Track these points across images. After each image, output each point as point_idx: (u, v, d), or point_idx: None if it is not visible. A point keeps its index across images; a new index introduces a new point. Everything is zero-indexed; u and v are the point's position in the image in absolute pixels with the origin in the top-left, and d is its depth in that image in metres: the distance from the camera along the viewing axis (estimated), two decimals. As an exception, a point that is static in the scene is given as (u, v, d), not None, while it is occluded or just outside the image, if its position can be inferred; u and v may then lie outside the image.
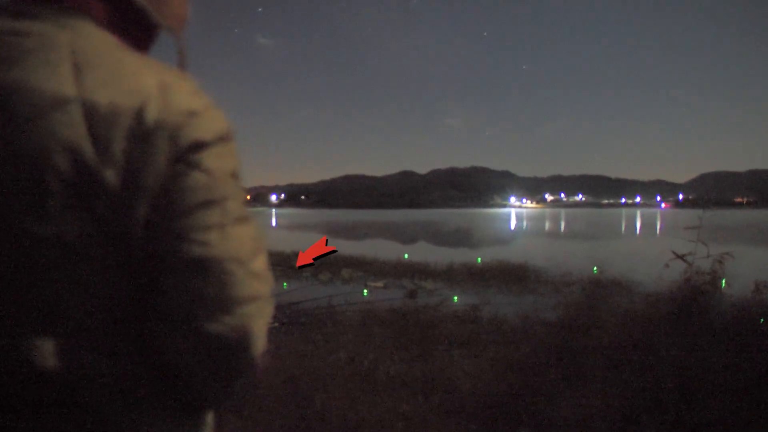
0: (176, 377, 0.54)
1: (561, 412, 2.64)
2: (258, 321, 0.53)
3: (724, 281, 3.58)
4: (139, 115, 0.48)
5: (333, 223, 46.00)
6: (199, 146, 0.50)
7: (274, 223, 50.45)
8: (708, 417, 2.44)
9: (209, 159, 0.51)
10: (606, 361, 3.23)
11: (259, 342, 0.54)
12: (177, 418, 0.56)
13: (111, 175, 0.47)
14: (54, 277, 0.48)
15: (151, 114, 0.48)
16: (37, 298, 0.48)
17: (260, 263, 0.54)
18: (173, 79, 0.52)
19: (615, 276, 6.99)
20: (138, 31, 0.58)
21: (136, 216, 0.48)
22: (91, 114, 0.46)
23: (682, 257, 3.75)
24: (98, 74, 0.48)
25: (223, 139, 0.53)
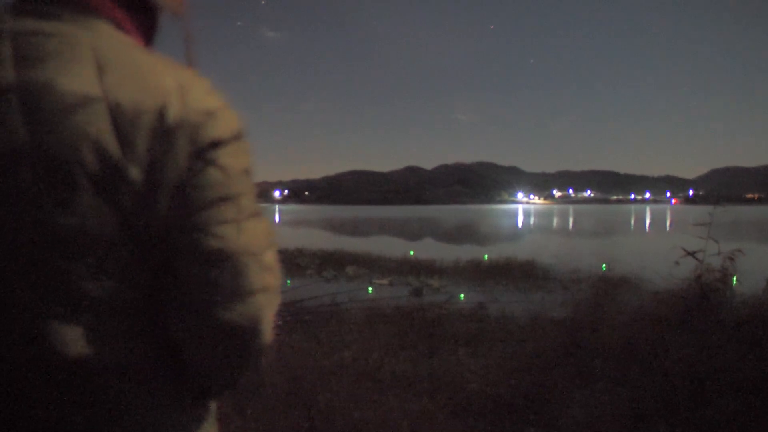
0: (189, 364, 0.57)
1: (570, 412, 2.61)
2: (268, 311, 0.56)
3: (735, 278, 3.53)
4: (160, 114, 0.50)
5: (336, 220, 46.08)
6: (216, 144, 0.53)
7: (277, 219, 50.65)
8: (719, 416, 2.40)
9: (225, 157, 0.53)
10: (615, 359, 3.19)
11: (268, 331, 0.57)
12: (185, 404, 0.59)
13: (135, 171, 0.50)
14: (79, 267, 0.50)
15: (172, 113, 0.51)
16: (62, 287, 0.51)
17: (271, 257, 0.57)
18: (190, 80, 0.55)
19: (624, 273, 6.90)
20: (142, 18, 0.61)
21: (157, 209, 0.51)
22: (116, 113, 0.49)
23: (692, 254, 3.69)
24: (120, 74, 0.51)
25: (237, 137, 0.56)
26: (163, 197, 0.51)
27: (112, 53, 0.52)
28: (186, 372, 0.58)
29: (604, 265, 8.20)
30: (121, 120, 0.49)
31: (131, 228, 0.51)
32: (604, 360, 3.21)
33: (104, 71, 0.50)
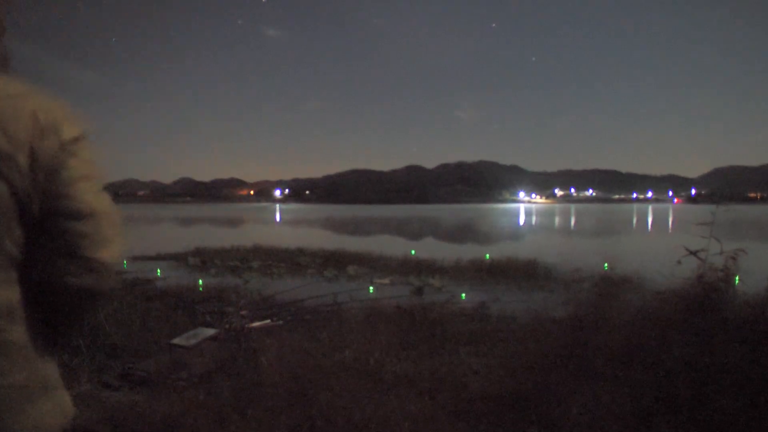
0: (60, 299, 0.79)
1: (571, 412, 2.59)
2: (119, 252, 0.83)
3: (737, 278, 3.50)
4: (35, 119, 0.75)
5: (337, 219, 46.03)
6: (73, 140, 0.79)
7: (277, 218, 50.65)
8: (722, 416, 2.39)
9: (80, 149, 0.79)
10: (617, 359, 3.17)
11: (118, 267, 0.88)
12: (50, 338, 0.80)
13: (22, 158, 0.73)
14: None
15: (42, 119, 0.75)
16: None
17: (117, 216, 0.84)
18: (48, 96, 0.78)
19: (626, 273, 6.88)
20: None
21: (38, 184, 0.74)
22: (3, 120, 0.72)
23: (694, 254, 3.67)
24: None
25: (85, 136, 0.81)
26: (42, 175, 0.75)
27: None
28: (51, 311, 0.80)
29: (606, 265, 8.17)
30: (6, 125, 0.72)
31: (20, 198, 0.72)
32: (606, 359, 3.19)
33: None
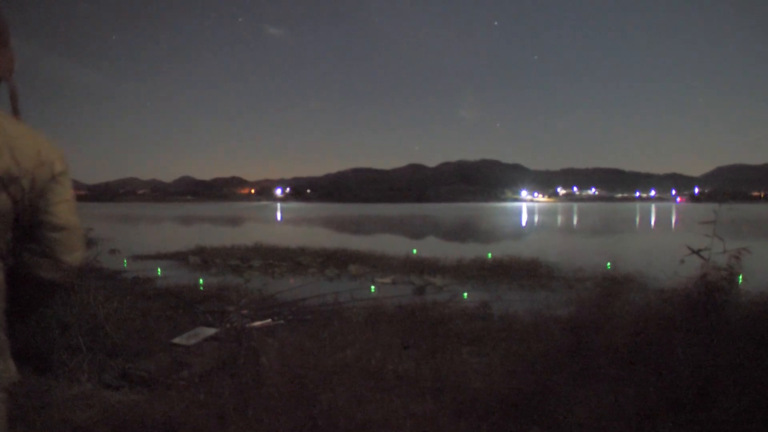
0: (33, 288, 1.07)
1: (574, 412, 2.58)
2: (81, 257, 1.10)
3: (741, 277, 3.48)
4: (38, 154, 1.02)
5: (339, 218, 46.03)
6: (61, 173, 1.06)
7: (279, 217, 50.70)
8: (725, 416, 2.37)
9: (64, 179, 1.07)
10: (620, 359, 3.15)
11: (77, 270, 1.11)
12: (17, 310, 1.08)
13: (25, 181, 1.00)
14: None
15: (43, 156, 1.02)
16: None
17: (83, 231, 1.12)
18: (45, 137, 1.04)
19: (629, 272, 6.86)
20: None
21: (31, 201, 1.02)
22: (13, 153, 0.98)
23: (697, 252, 3.65)
24: (12, 133, 0.99)
25: (68, 170, 1.08)
26: (35, 196, 1.02)
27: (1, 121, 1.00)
28: (21, 295, 1.06)
29: (608, 264, 8.15)
30: (19, 157, 0.98)
31: (18, 210, 1.00)
32: (609, 359, 3.17)
33: (5, 132, 0.98)
